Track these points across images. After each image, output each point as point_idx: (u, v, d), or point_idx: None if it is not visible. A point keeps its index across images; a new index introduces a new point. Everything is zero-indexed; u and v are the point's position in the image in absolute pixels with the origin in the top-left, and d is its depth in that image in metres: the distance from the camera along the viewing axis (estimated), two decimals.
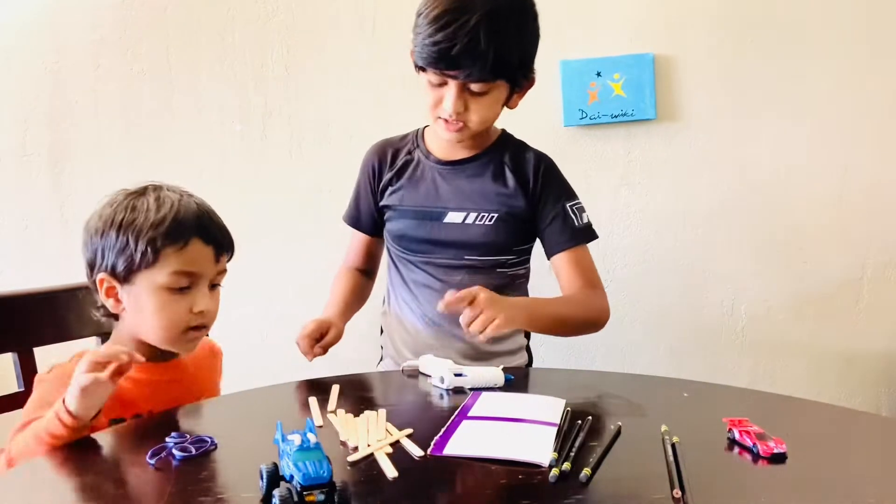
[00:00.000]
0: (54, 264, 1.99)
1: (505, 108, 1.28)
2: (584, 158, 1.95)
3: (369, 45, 1.97)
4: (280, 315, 2.01)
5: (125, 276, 0.99)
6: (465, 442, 0.82)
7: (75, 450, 0.86)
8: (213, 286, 1.06)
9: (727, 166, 1.94)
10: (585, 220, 1.32)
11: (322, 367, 1.19)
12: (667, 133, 1.94)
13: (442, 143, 1.32)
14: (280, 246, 2.02)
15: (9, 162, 2.00)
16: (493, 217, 1.28)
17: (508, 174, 1.31)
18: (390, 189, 1.35)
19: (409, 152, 1.36)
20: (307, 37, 1.98)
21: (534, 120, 1.91)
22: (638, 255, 1.98)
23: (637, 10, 1.92)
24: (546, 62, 1.91)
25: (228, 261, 1.07)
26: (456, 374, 1.04)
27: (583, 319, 1.28)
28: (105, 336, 1.21)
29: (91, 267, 1.02)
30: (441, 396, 1.03)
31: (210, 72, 1.99)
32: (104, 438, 0.87)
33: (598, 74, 1.91)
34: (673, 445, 0.78)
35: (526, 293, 1.39)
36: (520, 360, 1.39)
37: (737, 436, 0.81)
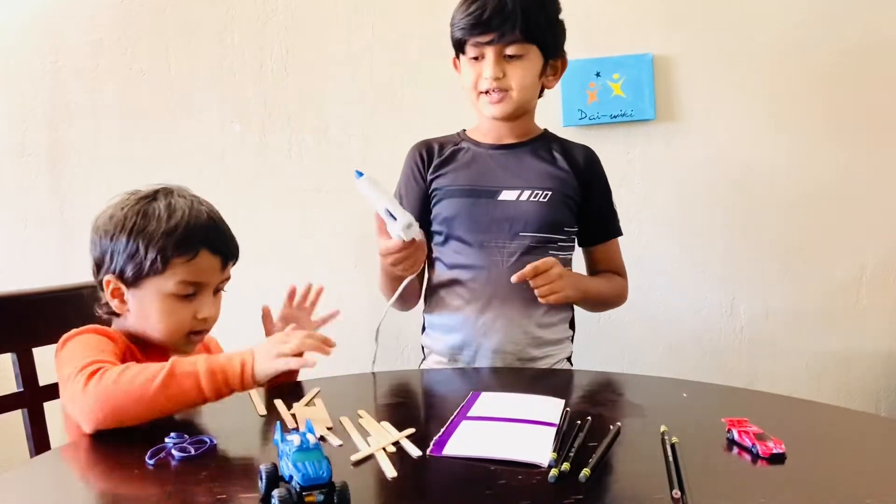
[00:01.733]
0: (53, 264, 1.99)
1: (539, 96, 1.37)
2: None
3: (369, 45, 1.97)
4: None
5: (133, 281, 1.01)
6: (465, 442, 0.82)
7: (74, 450, 0.86)
8: (216, 290, 1.08)
9: (726, 166, 1.94)
10: (619, 215, 1.45)
11: (320, 368, 1.18)
12: (666, 133, 1.94)
13: (489, 132, 1.38)
14: (279, 246, 2.01)
15: (8, 162, 2.00)
16: (547, 195, 1.32)
17: (559, 157, 1.37)
18: (441, 173, 1.36)
19: (456, 144, 1.40)
20: (306, 37, 1.98)
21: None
22: (637, 255, 1.98)
23: (636, 11, 1.92)
24: None
25: (233, 266, 1.09)
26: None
27: (613, 300, 1.43)
28: None
29: (98, 266, 1.04)
30: (443, 393, 1.02)
31: (209, 72, 1.99)
32: (103, 438, 0.87)
33: (598, 75, 1.91)
34: (672, 446, 0.78)
35: None
36: (568, 351, 1.40)
37: (736, 436, 0.81)
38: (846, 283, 1.94)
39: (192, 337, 1.06)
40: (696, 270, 1.97)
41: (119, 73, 1.99)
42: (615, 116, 1.91)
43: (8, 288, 1.19)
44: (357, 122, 1.98)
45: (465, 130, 1.43)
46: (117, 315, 1.06)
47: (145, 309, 1.02)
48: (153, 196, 1.04)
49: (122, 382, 0.86)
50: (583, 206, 1.37)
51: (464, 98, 1.36)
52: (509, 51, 1.26)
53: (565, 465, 0.73)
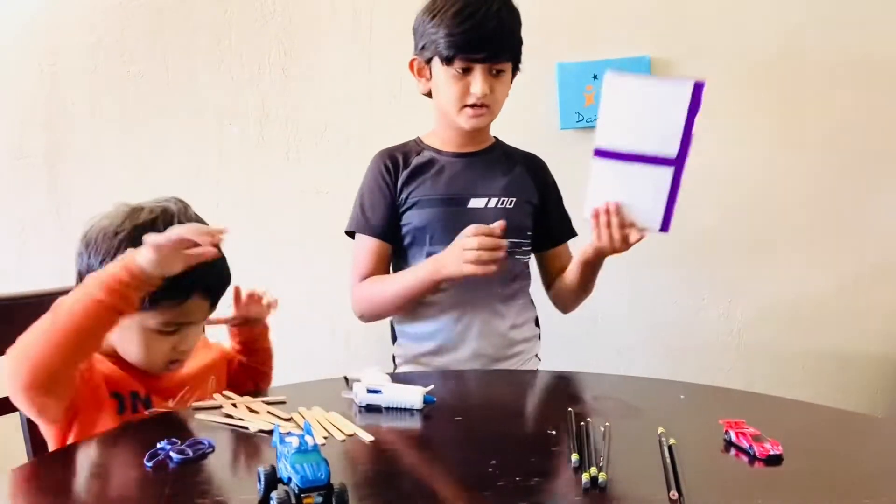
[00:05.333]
0: (51, 267, 1.98)
1: None
2: (581, 161, 1.93)
3: (366, 47, 1.97)
4: (276, 317, 2.00)
5: None
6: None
7: (72, 452, 0.86)
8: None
9: (722, 169, 1.94)
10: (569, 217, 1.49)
11: (317, 371, 1.19)
12: None
13: (449, 141, 1.40)
14: (276, 248, 2.01)
15: (5, 164, 1.99)
16: (513, 201, 1.37)
17: (518, 165, 1.42)
18: (410, 185, 1.37)
19: (419, 153, 1.41)
20: (304, 39, 1.99)
21: (530, 123, 1.92)
22: (634, 259, 1.98)
23: (633, 13, 1.92)
24: (543, 65, 1.94)
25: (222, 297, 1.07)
26: (371, 391, 0.97)
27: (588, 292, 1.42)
28: None
29: (81, 280, 0.99)
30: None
31: (207, 74, 1.99)
32: (101, 440, 0.87)
33: (595, 77, 1.91)
34: (670, 447, 0.78)
35: (529, 285, 1.45)
36: (537, 348, 1.45)
37: (733, 437, 0.81)
38: (842, 286, 1.95)
39: (170, 366, 1.03)
40: (693, 273, 1.97)
41: (117, 75, 1.99)
42: None
43: (5, 290, 1.19)
44: (355, 123, 1.98)
45: (420, 138, 1.44)
46: None
47: (124, 333, 0.98)
48: (151, 222, 0.97)
49: (31, 330, 0.85)
50: (541, 211, 1.42)
51: None
52: (497, 68, 1.29)
53: (602, 476, 0.71)
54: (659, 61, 1.91)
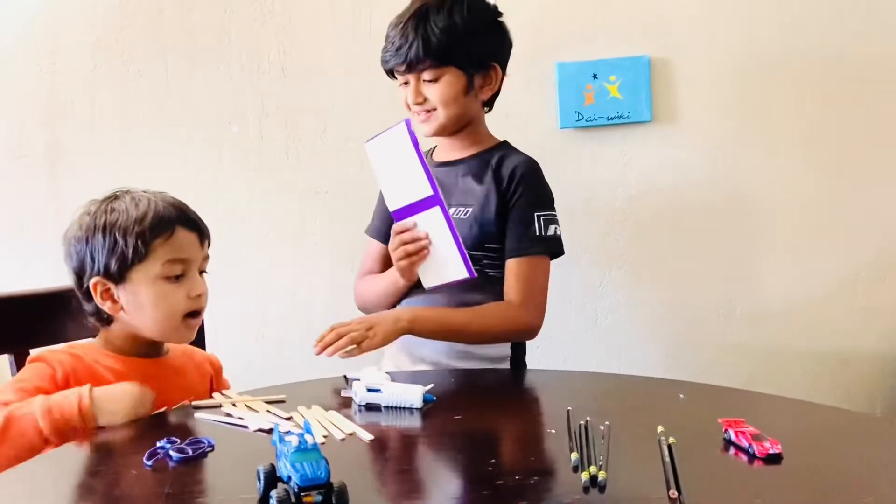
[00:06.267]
0: (50, 266, 1.98)
1: (487, 105, 1.43)
2: (580, 161, 1.96)
3: (366, 46, 1.97)
4: (276, 316, 2.00)
5: (120, 275, 1.02)
6: None
7: (72, 450, 0.86)
8: (200, 272, 1.10)
9: (722, 168, 1.95)
10: (550, 233, 1.34)
11: (317, 369, 1.19)
12: (662, 135, 1.94)
13: (440, 149, 1.43)
14: (276, 248, 2.01)
15: (5, 163, 1.99)
16: (468, 211, 1.35)
17: (489, 172, 1.36)
18: None
19: None
20: (304, 39, 1.98)
21: (530, 122, 1.93)
22: (634, 258, 1.99)
23: (633, 13, 1.92)
24: (542, 64, 1.94)
25: (208, 247, 1.11)
26: (371, 390, 0.98)
27: (480, 332, 1.30)
28: None
29: (79, 275, 1.06)
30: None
31: (206, 73, 1.99)
32: (101, 439, 0.87)
33: (595, 76, 1.91)
34: (669, 446, 0.78)
35: (500, 296, 1.35)
36: (504, 367, 1.40)
37: (733, 436, 0.81)
38: (843, 284, 1.95)
39: (189, 321, 1.06)
40: (692, 272, 1.97)
41: (116, 75, 1.99)
42: (612, 118, 1.92)
43: (4, 289, 1.19)
44: (355, 123, 1.98)
45: (435, 148, 1.46)
46: (108, 323, 1.06)
47: (138, 300, 1.03)
48: (114, 196, 1.07)
49: None
50: (505, 222, 1.34)
51: None
52: (425, 76, 1.33)
53: (601, 475, 0.71)
54: (659, 61, 1.92)
